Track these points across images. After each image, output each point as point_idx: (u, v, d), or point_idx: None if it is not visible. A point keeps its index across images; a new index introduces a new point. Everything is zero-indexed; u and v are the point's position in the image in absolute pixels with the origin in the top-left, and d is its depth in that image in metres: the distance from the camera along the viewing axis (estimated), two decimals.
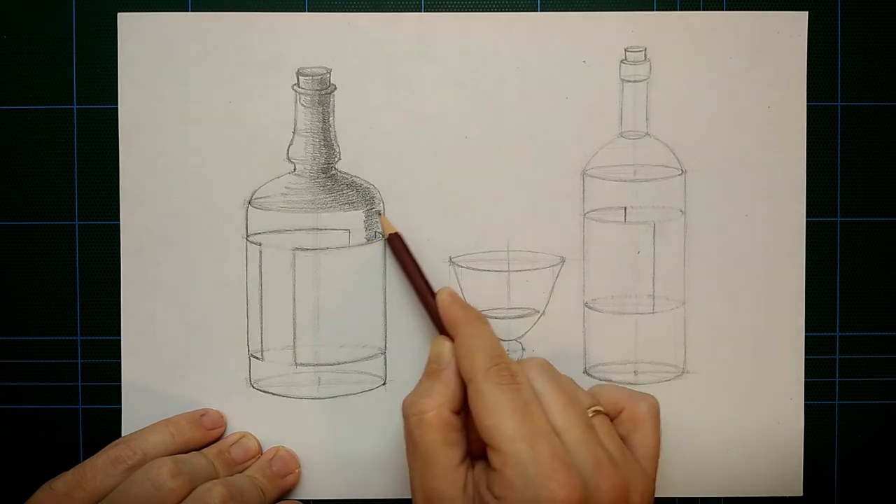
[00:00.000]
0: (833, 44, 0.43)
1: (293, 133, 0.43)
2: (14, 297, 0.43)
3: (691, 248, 0.43)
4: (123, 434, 0.43)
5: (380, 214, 0.43)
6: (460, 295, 0.43)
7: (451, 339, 0.39)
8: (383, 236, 0.43)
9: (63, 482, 0.37)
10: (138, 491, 0.37)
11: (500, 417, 0.34)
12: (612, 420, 0.38)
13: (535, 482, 0.33)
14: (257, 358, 0.43)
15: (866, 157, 0.44)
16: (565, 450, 0.34)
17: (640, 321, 0.43)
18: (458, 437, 0.37)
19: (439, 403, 0.36)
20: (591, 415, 0.37)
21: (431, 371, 0.38)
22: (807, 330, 0.43)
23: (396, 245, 0.42)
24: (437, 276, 0.43)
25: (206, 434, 0.42)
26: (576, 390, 0.37)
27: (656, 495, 0.43)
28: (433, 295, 0.40)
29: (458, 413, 0.37)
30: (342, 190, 0.43)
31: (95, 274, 0.43)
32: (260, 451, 0.43)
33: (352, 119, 0.43)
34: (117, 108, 0.43)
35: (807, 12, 0.43)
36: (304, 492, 0.43)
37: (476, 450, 0.37)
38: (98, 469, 0.38)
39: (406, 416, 0.37)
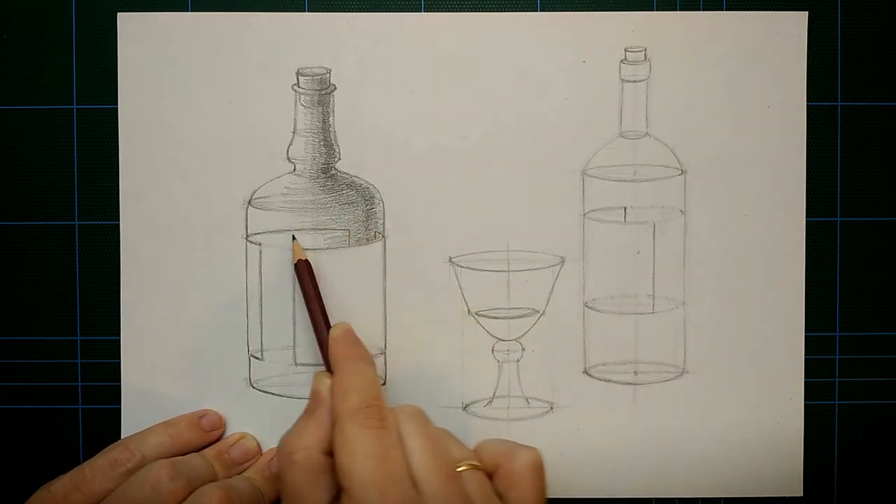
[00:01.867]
0: (833, 44, 0.43)
1: (293, 133, 0.43)
2: (14, 297, 0.43)
3: (691, 248, 0.43)
4: (123, 434, 0.43)
5: (294, 239, 0.42)
6: (460, 295, 0.43)
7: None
8: (292, 261, 0.42)
9: (61, 485, 0.37)
10: (137, 493, 0.37)
11: (356, 460, 0.33)
12: (491, 476, 0.36)
13: None
14: (257, 358, 0.43)
15: (866, 157, 0.44)
16: (419, 501, 0.33)
17: (639, 321, 0.43)
18: (327, 479, 0.35)
19: (309, 444, 0.35)
20: (464, 467, 0.35)
21: (308, 409, 0.37)
22: (807, 330, 0.43)
23: (302, 272, 0.41)
24: (438, 276, 0.43)
25: (204, 436, 0.42)
26: (447, 442, 0.36)
27: (656, 495, 0.43)
28: (328, 329, 0.40)
29: (329, 454, 0.35)
30: (342, 190, 0.43)
31: (95, 274, 0.43)
32: (259, 452, 0.43)
33: (352, 119, 0.43)
34: (117, 108, 0.43)
35: (807, 12, 0.43)
36: None
37: None
38: (96, 471, 0.38)
39: (278, 455, 0.36)
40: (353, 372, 0.37)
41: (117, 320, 0.43)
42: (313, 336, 0.42)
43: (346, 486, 0.33)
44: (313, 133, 0.43)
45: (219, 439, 0.42)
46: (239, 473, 0.41)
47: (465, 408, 0.43)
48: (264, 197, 0.43)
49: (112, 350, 0.43)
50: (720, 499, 0.44)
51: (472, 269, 0.43)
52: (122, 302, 0.43)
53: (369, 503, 0.32)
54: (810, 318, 0.44)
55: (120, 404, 0.43)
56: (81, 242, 0.43)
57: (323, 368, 0.39)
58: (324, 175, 0.43)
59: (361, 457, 0.33)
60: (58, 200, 0.43)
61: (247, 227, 0.43)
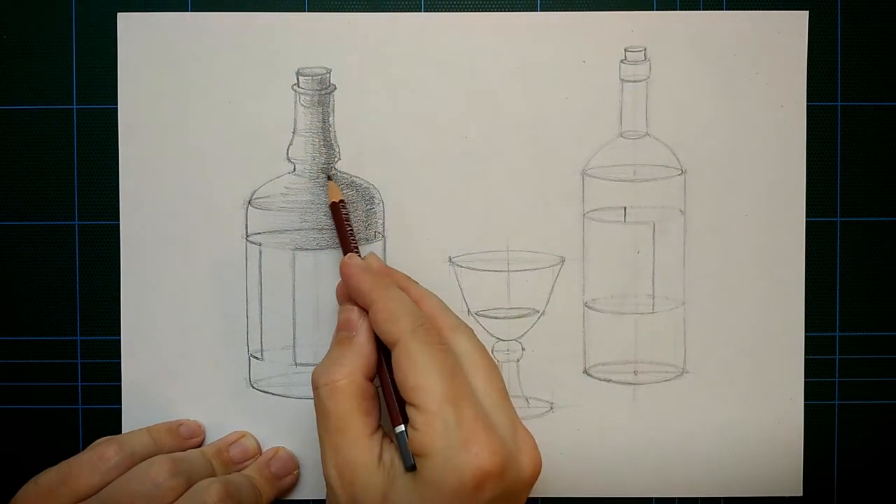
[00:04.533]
0: (833, 44, 0.43)
1: (293, 133, 0.43)
2: (14, 297, 0.43)
3: (691, 248, 0.43)
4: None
5: (329, 179, 0.42)
6: (460, 295, 0.43)
7: (359, 306, 0.38)
8: (328, 202, 0.42)
9: (48, 478, 0.37)
10: (136, 488, 0.37)
11: (428, 377, 0.34)
12: None
13: (457, 444, 0.33)
14: (257, 358, 0.43)
15: (866, 157, 0.44)
16: (486, 413, 0.34)
17: (639, 321, 0.43)
18: (371, 405, 0.36)
19: (351, 371, 0.36)
20: None
21: (341, 339, 0.37)
22: (807, 330, 0.43)
23: (337, 212, 0.41)
24: (438, 276, 0.43)
25: (183, 443, 0.42)
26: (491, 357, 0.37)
27: (655, 495, 0.43)
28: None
29: (370, 380, 0.36)
30: (342, 190, 0.43)
31: (95, 274, 0.43)
32: (259, 452, 0.43)
33: (352, 119, 0.43)
34: (117, 108, 0.43)
35: (807, 12, 0.43)
36: (304, 492, 0.43)
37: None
38: (83, 466, 0.38)
39: (316, 387, 0.36)
40: (394, 297, 0.37)
41: (117, 320, 0.43)
42: (313, 336, 0.42)
43: (420, 403, 0.34)
44: (313, 133, 0.43)
45: (201, 441, 0.42)
46: (237, 472, 0.41)
47: None
48: (264, 197, 0.43)
49: (112, 350, 0.43)
50: (720, 499, 0.44)
51: (472, 269, 0.43)
52: (122, 302, 0.43)
53: (446, 417, 0.33)
54: (810, 318, 0.44)
55: (120, 404, 0.43)
56: (81, 242, 0.43)
57: None
58: (324, 175, 0.43)
59: (433, 374, 0.34)
60: (58, 200, 0.43)
61: (247, 227, 0.43)
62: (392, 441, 0.36)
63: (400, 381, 0.35)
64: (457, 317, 0.38)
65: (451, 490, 0.33)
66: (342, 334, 0.37)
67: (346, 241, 0.40)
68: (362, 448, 0.35)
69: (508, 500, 0.34)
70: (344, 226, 0.41)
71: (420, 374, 0.34)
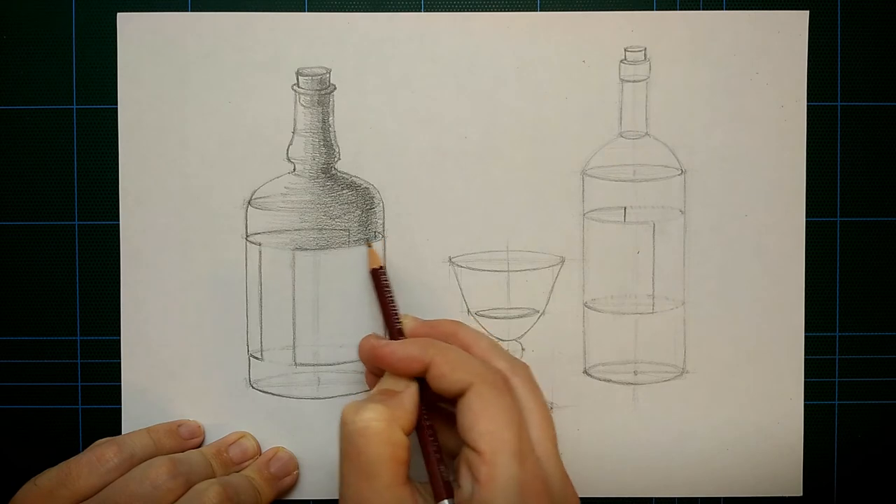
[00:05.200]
0: (833, 44, 0.43)
1: (293, 133, 0.43)
2: (14, 297, 0.43)
3: (691, 248, 0.43)
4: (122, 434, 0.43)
5: (369, 246, 0.42)
6: (460, 295, 0.43)
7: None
8: (368, 268, 0.42)
9: (47, 478, 0.37)
10: (136, 489, 0.37)
11: (501, 425, 0.33)
12: None
13: (515, 500, 0.32)
14: (257, 358, 0.43)
15: (866, 157, 0.44)
16: (543, 469, 0.34)
17: (639, 321, 0.43)
18: (405, 456, 0.34)
19: (390, 417, 0.34)
20: None
21: (384, 391, 0.36)
22: (807, 330, 0.43)
23: (379, 280, 0.41)
24: (438, 276, 0.43)
25: (182, 443, 0.42)
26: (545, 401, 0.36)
27: (655, 495, 0.43)
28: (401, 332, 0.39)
29: (407, 435, 0.34)
30: (342, 190, 0.43)
31: (95, 274, 0.43)
32: (258, 452, 0.43)
33: (352, 119, 0.43)
34: (117, 108, 0.43)
35: (808, 11, 0.43)
36: (304, 492, 0.43)
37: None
38: (82, 467, 0.38)
39: (347, 422, 0.34)
40: (454, 349, 0.36)
41: (117, 320, 0.43)
42: (313, 336, 0.42)
43: (489, 451, 0.33)
44: (313, 133, 0.43)
45: (201, 442, 0.42)
46: (237, 472, 0.41)
47: None
48: (264, 197, 0.43)
49: (112, 350, 0.43)
50: (720, 499, 0.44)
51: (472, 269, 0.43)
52: (122, 302, 0.43)
53: (512, 470, 0.32)
54: (810, 318, 0.44)
55: (120, 404, 0.43)
56: (81, 242, 0.43)
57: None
58: (324, 175, 0.43)
59: (506, 422, 0.33)
60: (58, 200, 0.43)
61: (247, 227, 0.43)
62: (421, 494, 0.34)
63: (467, 424, 0.33)
64: (511, 357, 0.37)
65: None
66: (387, 387, 0.36)
67: (389, 312, 0.39)
68: (392, 498, 0.33)
69: None
70: (385, 294, 0.40)
71: (493, 421, 0.33)
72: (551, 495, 0.33)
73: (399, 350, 0.36)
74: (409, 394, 0.35)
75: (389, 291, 0.40)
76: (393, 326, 0.39)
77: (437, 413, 0.37)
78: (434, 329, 0.38)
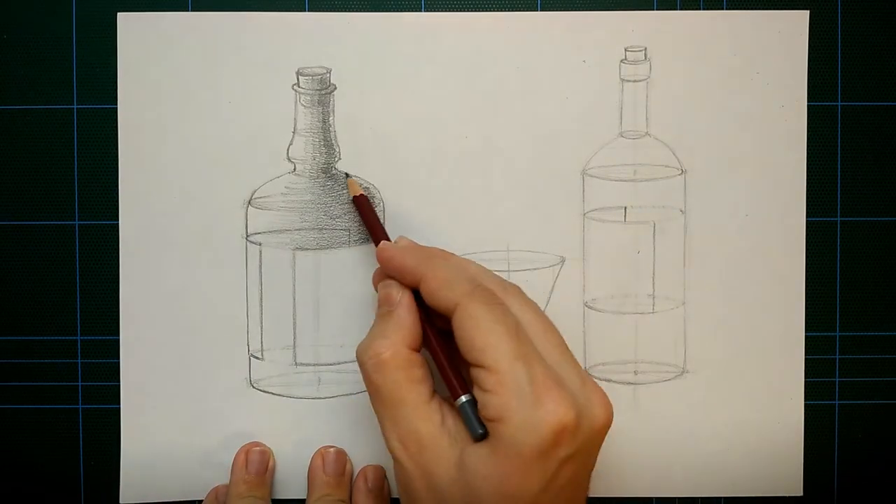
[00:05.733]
0: (833, 44, 0.43)
1: (293, 133, 0.43)
2: (14, 297, 0.43)
3: (691, 248, 0.43)
4: (123, 434, 0.43)
5: (348, 176, 0.42)
6: None
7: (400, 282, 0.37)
8: (349, 197, 0.42)
9: None
10: None
11: (496, 336, 0.33)
12: None
13: (531, 402, 0.32)
14: (257, 358, 0.43)
15: (866, 157, 0.44)
16: (553, 369, 0.33)
17: (640, 321, 0.43)
18: (422, 373, 0.35)
19: (395, 342, 0.35)
20: None
21: (382, 314, 0.37)
22: (807, 330, 0.43)
23: (362, 204, 0.41)
24: None
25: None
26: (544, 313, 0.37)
27: (655, 495, 0.43)
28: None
29: (416, 351, 0.36)
30: (342, 190, 0.43)
31: (95, 274, 0.43)
32: (270, 452, 0.42)
33: (352, 119, 0.43)
34: (117, 108, 0.43)
35: (808, 11, 0.43)
36: (305, 491, 0.43)
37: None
38: None
39: (362, 363, 0.35)
40: (442, 266, 0.36)
41: (117, 320, 0.43)
42: (313, 336, 0.42)
43: (490, 363, 0.33)
44: (313, 133, 0.43)
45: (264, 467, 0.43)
46: (261, 482, 0.42)
47: None
48: (264, 197, 0.43)
49: (112, 350, 0.43)
50: (720, 499, 0.44)
51: None
52: (122, 302, 0.43)
53: (518, 375, 0.32)
54: (810, 318, 0.44)
55: (120, 404, 0.43)
56: (81, 242, 0.43)
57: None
58: (324, 175, 0.43)
59: (499, 333, 0.33)
60: (58, 200, 0.43)
61: (247, 227, 0.43)
62: (452, 408, 0.35)
63: (465, 344, 0.34)
64: (501, 278, 0.37)
65: (530, 450, 0.32)
66: (382, 309, 0.37)
67: (378, 230, 0.40)
68: (422, 417, 0.34)
69: (584, 454, 0.33)
70: (372, 216, 0.40)
71: (487, 334, 0.33)
72: (570, 393, 0.33)
73: (397, 257, 0.37)
74: (404, 307, 0.36)
75: (376, 215, 0.41)
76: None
77: (448, 340, 0.37)
78: (429, 250, 0.39)
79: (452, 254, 0.38)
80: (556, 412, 0.32)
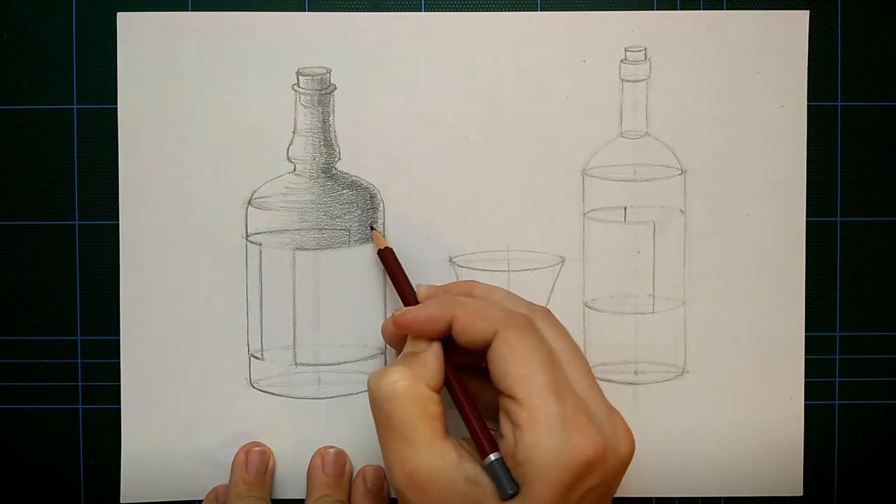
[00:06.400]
0: (833, 44, 0.43)
1: (293, 133, 0.43)
2: (14, 297, 0.43)
3: (691, 248, 0.43)
4: (123, 434, 0.43)
5: (372, 230, 0.42)
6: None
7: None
8: (375, 249, 0.42)
9: None
10: None
11: (531, 368, 0.32)
12: None
13: (560, 439, 0.32)
14: (257, 358, 0.43)
15: (866, 157, 0.44)
16: (583, 401, 0.33)
17: (640, 321, 0.43)
18: (438, 410, 0.34)
19: (414, 376, 0.34)
20: None
21: (407, 354, 0.36)
22: (807, 330, 0.43)
23: (389, 259, 0.40)
24: (438, 276, 0.43)
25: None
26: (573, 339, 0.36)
27: (655, 495, 0.43)
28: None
29: (436, 391, 0.34)
30: (342, 190, 0.43)
31: (95, 274, 0.43)
32: (269, 451, 0.42)
33: (352, 119, 0.43)
34: (117, 108, 0.43)
35: (808, 11, 0.43)
36: (304, 491, 0.43)
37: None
38: None
39: (374, 391, 0.34)
40: (472, 302, 0.35)
41: (117, 320, 0.43)
42: (313, 336, 0.42)
43: (524, 396, 0.32)
44: (313, 133, 0.43)
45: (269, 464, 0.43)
46: (261, 482, 0.42)
47: None
48: (264, 197, 0.43)
49: (112, 350, 0.43)
50: (720, 498, 0.44)
51: (472, 269, 0.43)
52: (122, 302, 0.43)
53: (551, 409, 0.32)
54: (810, 318, 0.44)
55: (120, 404, 0.43)
56: (81, 242, 0.43)
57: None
58: (324, 175, 0.43)
59: (536, 362, 0.33)
60: (58, 200, 0.43)
61: (247, 227, 0.43)
62: (468, 451, 0.34)
63: (499, 372, 0.33)
64: (530, 303, 0.37)
65: (558, 484, 0.31)
66: (408, 351, 0.36)
67: (404, 285, 0.39)
68: (436, 454, 0.33)
69: (607, 484, 0.33)
70: (398, 272, 0.40)
71: (522, 365, 0.33)
72: (598, 427, 0.33)
73: (420, 313, 0.36)
74: (431, 352, 0.35)
75: (401, 268, 0.40)
76: (410, 299, 0.39)
77: (469, 374, 0.37)
78: (449, 292, 0.38)
79: (475, 281, 0.38)
80: (584, 448, 0.32)
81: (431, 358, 0.35)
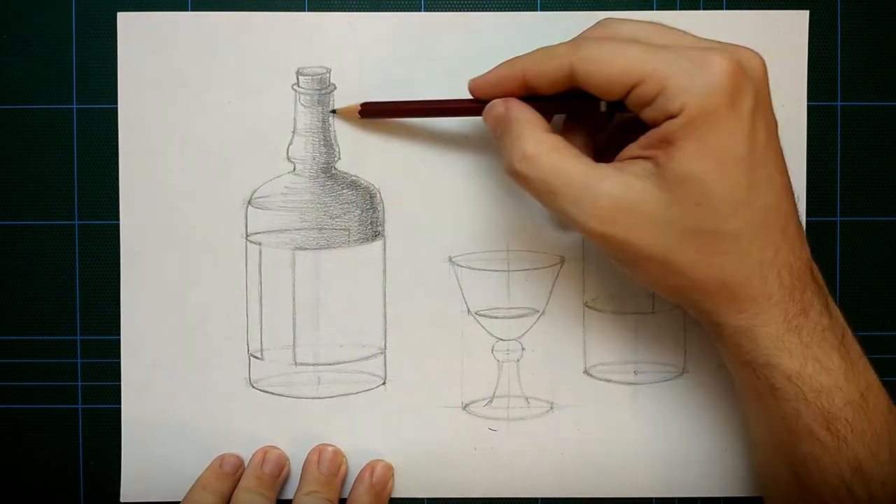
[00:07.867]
0: (833, 44, 0.43)
1: (293, 133, 0.43)
2: (14, 297, 0.43)
3: None
4: (123, 434, 0.43)
5: (334, 112, 0.42)
6: (460, 295, 0.43)
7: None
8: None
9: None
10: None
11: (628, 50, 0.34)
12: None
13: (695, 69, 0.33)
14: (257, 358, 0.43)
15: (866, 157, 0.44)
16: (695, 40, 0.35)
17: (640, 321, 0.43)
18: (572, 148, 0.36)
19: (529, 132, 0.35)
20: None
21: (501, 133, 0.37)
22: None
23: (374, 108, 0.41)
24: (438, 276, 0.43)
25: (235, 480, 0.42)
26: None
27: (656, 495, 0.43)
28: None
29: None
30: (342, 189, 0.43)
31: (95, 274, 0.43)
32: (286, 457, 0.42)
33: (352, 119, 0.43)
34: (117, 108, 0.43)
35: (808, 11, 0.43)
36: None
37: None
38: None
39: (513, 172, 0.36)
40: (528, 55, 0.37)
41: (117, 320, 0.43)
42: (313, 336, 0.42)
43: (640, 69, 0.33)
44: (313, 133, 0.43)
45: (241, 473, 0.42)
46: (272, 487, 0.42)
47: (464, 407, 0.43)
48: (264, 197, 0.43)
49: (112, 350, 0.43)
50: (720, 498, 0.44)
51: (472, 268, 0.43)
52: (122, 302, 0.43)
53: (672, 56, 0.34)
54: None
55: (120, 404, 0.43)
56: (81, 242, 0.43)
57: None
58: (324, 175, 0.43)
59: (628, 45, 0.34)
60: (58, 200, 0.43)
61: (247, 227, 0.43)
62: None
63: (604, 73, 0.34)
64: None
65: (720, 106, 0.33)
66: (498, 131, 0.37)
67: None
68: (602, 177, 0.35)
69: (763, 104, 0.34)
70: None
71: (620, 53, 0.34)
72: (721, 47, 0.34)
73: (489, 78, 0.38)
74: (513, 107, 0.37)
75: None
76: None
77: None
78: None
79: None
80: (720, 63, 0.33)
81: (517, 111, 0.37)
